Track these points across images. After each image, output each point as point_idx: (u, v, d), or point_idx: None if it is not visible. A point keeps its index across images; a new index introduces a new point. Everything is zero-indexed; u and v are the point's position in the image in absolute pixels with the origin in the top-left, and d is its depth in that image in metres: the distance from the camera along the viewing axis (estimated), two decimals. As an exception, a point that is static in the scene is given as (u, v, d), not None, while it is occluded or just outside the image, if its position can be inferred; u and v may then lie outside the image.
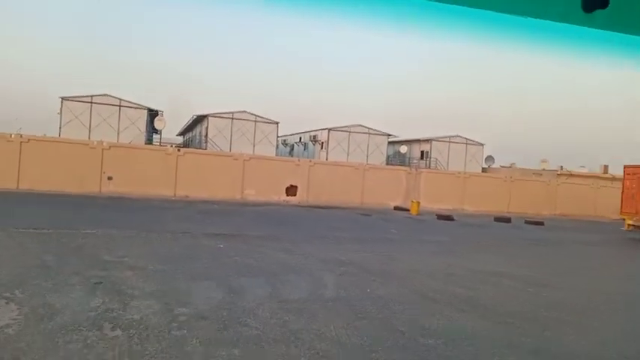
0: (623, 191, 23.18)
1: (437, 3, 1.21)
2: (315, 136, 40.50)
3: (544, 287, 9.79)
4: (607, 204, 31.29)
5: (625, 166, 23.72)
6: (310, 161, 30.86)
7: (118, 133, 31.53)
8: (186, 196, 26.41)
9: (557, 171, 39.68)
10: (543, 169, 40.97)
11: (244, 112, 35.06)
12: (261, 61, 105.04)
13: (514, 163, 44.03)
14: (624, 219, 22.92)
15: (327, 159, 35.87)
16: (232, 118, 35.02)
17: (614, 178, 35.70)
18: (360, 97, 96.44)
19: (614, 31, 1.22)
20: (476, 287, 9.23)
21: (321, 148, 38.84)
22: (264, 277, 8.78)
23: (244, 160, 28.40)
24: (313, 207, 26.69)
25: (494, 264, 12.25)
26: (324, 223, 19.54)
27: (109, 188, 25.49)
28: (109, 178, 25.73)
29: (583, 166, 41.43)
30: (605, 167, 41.37)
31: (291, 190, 29.12)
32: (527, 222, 26.57)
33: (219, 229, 15.03)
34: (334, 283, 8.76)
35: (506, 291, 9.36)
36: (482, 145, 41.28)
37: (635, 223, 22.14)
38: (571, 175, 38.43)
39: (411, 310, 7.30)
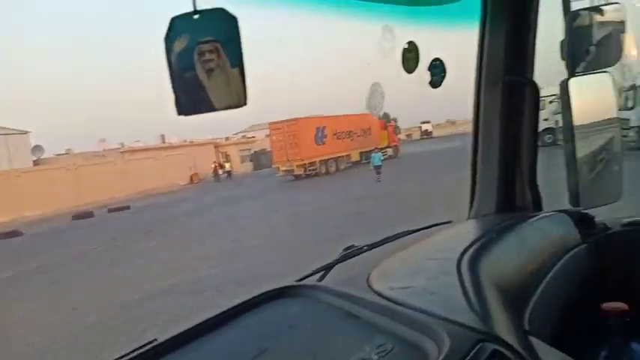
0: (272, 145, 27.31)
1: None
2: None
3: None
4: (177, 171, 33.04)
5: (270, 124, 27.96)
6: None
7: None
8: None
9: (119, 149, 38.33)
10: (104, 150, 38.62)
11: None
12: None
13: (70, 149, 39.34)
14: (278, 167, 27.06)
15: None
16: None
17: (171, 146, 38.16)
18: None
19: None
20: None
21: None
22: None
23: None
24: None
25: None
26: None
27: None
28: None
29: (138, 140, 41.81)
30: (163, 137, 43.60)
31: None
32: (111, 210, 23.99)
33: None
34: None
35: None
36: (26, 133, 34.03)
37: (288, 168, 26.20)
38: (135, 150, 38.10)
39: None
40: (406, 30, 1.52)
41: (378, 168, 19.57)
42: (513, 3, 1.47)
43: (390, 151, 29.71)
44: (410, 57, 1.45)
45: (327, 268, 1.28)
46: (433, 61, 1.50)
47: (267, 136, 32.02)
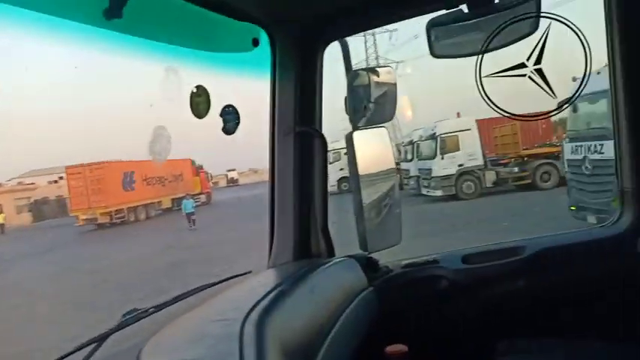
0: (70, 191, 24.67)
1: None
2: None
3: None
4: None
5: (67, 167, 25.18)
6: None
7: None
8: None
9: None
10: None
11: None
12: None
13: None
14: (77, 216, 23.90)
15: None
16: None
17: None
18: None
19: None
20: None
21: None
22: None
23: None
24: None
25: None
26: None
27: None
28: None
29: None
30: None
31: None
32: None
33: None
34: None
35: None
36: None
37: (90, 217, 23.43)
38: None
39: None
40: (204, 76, 1.43)
41: (190, 215, 18.46)
42: (300, 58, 1.51)
43: (202, 198, 29.09)
44: (199, 101, 1.34)
45: (100, 339, 1.07)
46: (225, 107, 1.43)
47: (50, 182, 28.12)
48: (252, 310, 1.01)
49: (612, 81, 1.43)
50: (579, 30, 1.33)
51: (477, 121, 15.59)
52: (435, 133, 16.03)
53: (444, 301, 1.58)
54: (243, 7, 1.34)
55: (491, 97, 1.41)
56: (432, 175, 15.84)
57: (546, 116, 1.57)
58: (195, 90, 1.33)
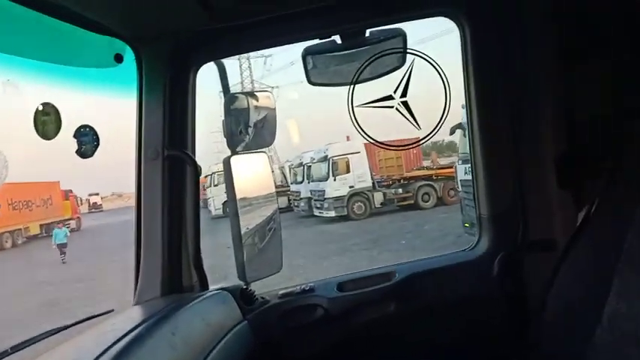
0: None
1: None
2: None
3: None
4: None
5: None
6: None
7: None
8: None
9: None
10: None
11: None
12: None
13: None
14: None
15: None
16: None
17: None
18: None
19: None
20: None
21: None
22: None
23: None
24: None
25: None
26: None
27: None
28: None
29: None
30: None
31: None
32: None
33: None
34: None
35: None
36: None
37: None
38: None
39: None
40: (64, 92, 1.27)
41: (62, 246, 15.72)
42: (169, 77, 1.42)
43: (72, 224, 26.66)
44: (47, 120, 1.17)
45: None
46: (81, 127, 1.27)
47: None
48: (98, 358, 0.88)
49: (468, 114, 1.57)
50: (439, 66, 1.44)
51: (364, 144, 16.49)
52: (327, 156, 16.53)
53: (319, 330, 1.57)
54: (101, 20, 1.22)
55: (362, 126, 1.47)
56: (325, 196, 16.24)
57: (413, 146, 1.68)
58: (41, 107, 1.16)
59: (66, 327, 1.28)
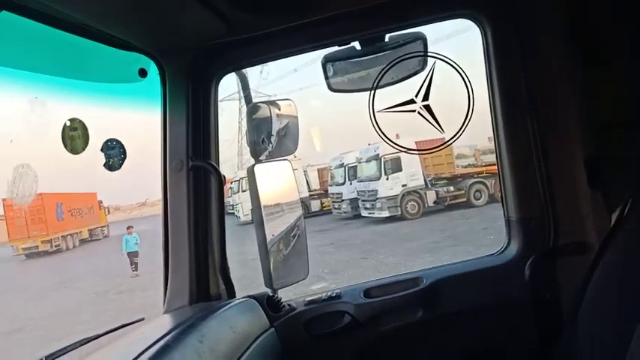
0: (8, 222, 24.03)
1: None
2: None
3: None
4: None
5: (4, 199, 23.19)
6: None
7: None
8: None
9: None
10: None
11: None
12: None
13: None
14: (17, 246, 23.82)
15: None
16: None
17: None
18: None
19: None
20: None
21: None
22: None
23: None
24: None
25: None
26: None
27: None
28: None
29: None
30: None
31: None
32: None
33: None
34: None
35: None
36: None
37: (30, 246, 23.58)
38: None
39: None
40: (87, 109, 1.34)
41: (133, 255, 13.61)
42: (191, 89, 1.46)
43: (105, 231, 30.21)
44: (74, 135, 1.24)
45: None
46: (107, 141, 1.34)
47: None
48: None
49: (493, 116, 1.50)
50: (461, 68, 1.38)
51: (415, 142, 16.02)
52: (378, 154, 16.23)
53: (346, 337, 1.55)
54: (126, 37, 1.27)
55: (384, 131, 1.44)
56: (378, 196, 15.98)
57: (441, 148, 1.62)
58: (69, 123, 1.24)
59: (98, 336, 1.34)
